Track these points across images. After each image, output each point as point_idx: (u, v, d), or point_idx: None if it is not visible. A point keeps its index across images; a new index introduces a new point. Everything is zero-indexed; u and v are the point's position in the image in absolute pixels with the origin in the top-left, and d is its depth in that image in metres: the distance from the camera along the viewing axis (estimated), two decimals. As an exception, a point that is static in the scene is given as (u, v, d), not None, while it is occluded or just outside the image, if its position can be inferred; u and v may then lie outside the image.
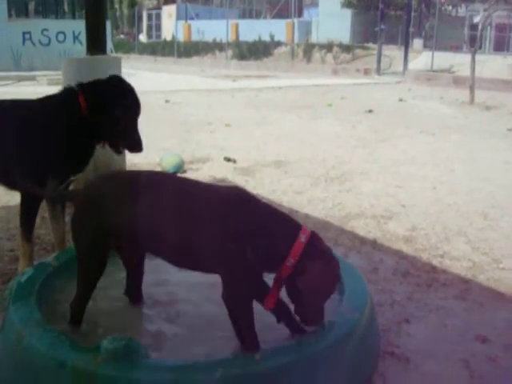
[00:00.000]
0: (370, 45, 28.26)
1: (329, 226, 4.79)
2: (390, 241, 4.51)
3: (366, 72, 24.59)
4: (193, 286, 3.01)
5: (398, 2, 30.59)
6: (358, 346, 2.53)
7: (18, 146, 3.30)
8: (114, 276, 2.98)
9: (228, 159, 7.14)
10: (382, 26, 24.69)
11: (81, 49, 18.28)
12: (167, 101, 13.36)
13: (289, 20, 31.76)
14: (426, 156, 7.77)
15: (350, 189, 6.02)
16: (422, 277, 3.83)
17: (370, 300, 2.84)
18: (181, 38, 35.92)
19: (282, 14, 36.04)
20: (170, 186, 2.55)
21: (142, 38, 40.82)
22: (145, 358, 2.19)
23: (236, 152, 7.55)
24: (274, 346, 2.39)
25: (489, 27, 24.80)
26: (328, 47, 28.51)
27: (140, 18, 41.55)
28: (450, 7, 32.67)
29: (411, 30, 26.40)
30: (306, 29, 32.77)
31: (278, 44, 31.02)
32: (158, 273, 3.07)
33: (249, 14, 42.84)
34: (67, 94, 3.45)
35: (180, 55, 33.72)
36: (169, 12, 39.43)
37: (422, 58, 24.84)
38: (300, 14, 36.18)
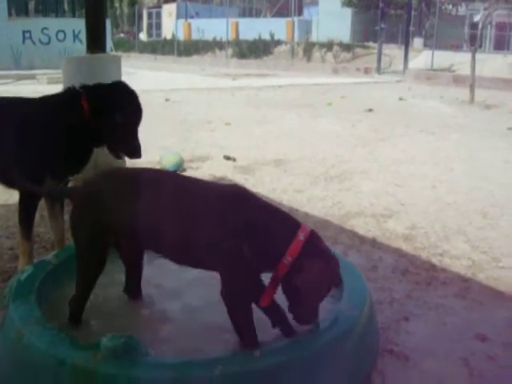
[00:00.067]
0: (370, 44, 28.27)
1: (328, 225, 4.80)
2: (390, 239, 4.51)
3: (366, 71, 24.59)
4: (192, 283, 3.01)
5: (399, 1, 30.58)
6: (358, 343, 2.54)
7: (17, 144, 3.30)
8: (113, 274, 2.98)
9: (228, 158, 7.14)
10: (383, 25, 24.68)
11: (81, 47, 18.25)
12: (167, 99, 13.36)
13: (289, 19, 31.73)
14: (425, 155, 7.77)
15: (350, 187, 6.02)
16: (422, 275, 3.84)
17: (370, 298, 2.84)
18: (181, 36, 35.90)
19: (282, 12, 36.03)
20: (170, 183, 2.55)
21: (142, 36, 40.82)
22: (144, 355, 2.20)
23: (236, 151, 7.55)
24: (274, 344, 2.39)
25: (489, 26, 24.80)
26: (328, 46, 28.50)
27: (140, 16, 41.53)
28: (451, 6, 32.67)
29: (411, 28, 26.40)
30: (306, 27, 32.76)
31: (278, 43, 31.01)
32: (158, 271, 3.08)
33: (249, 12, 42.81)
34: (70, 94, 3.45)
35: (180, 54, 33.71)
36: (169, 11, 39.42)
37: (422, 57, 24.84)
38: (300, 13, 36.17)
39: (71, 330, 2.54)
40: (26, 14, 24.75)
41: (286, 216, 2.44)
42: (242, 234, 2.30)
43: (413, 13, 27.55)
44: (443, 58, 23.02)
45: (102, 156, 3.80)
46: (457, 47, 26.34)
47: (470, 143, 8.76)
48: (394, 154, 7.77)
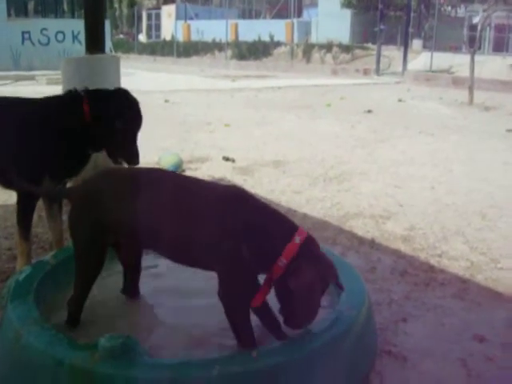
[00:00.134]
0: (370, 45, 28.26)
1: (327, 226, 4.80)
2: (388, 240, 4.51)
3: (366, 72, 24.59)
4: (191, 284, 3.01)
5: (398, 3, 30.58)
6: (356, 344, 2.54)
7: (16, 144, 3.31)
8: (112, 274, 2.98)
9: (227, 159, 7.14)
10: (382, 27, 24.69)
11: (80, 48, 18.26)
12: (166, 100, 13.37)
13: (288, 20, 31.75)
14: (424, 156, 7.77)
15: (349, 189, 6.02)
16: (420, 276, 3.84)
17: (368, 299, 2.84)
18: (180, 37, 35.92)
19: (281, 14, 36.03)
20: (169, 182, 2.55)
21: (142, 37, 40.81)
22: (142, 355, 2.20)
23: (235, 152, 7.55)
24: (272, 344, 2.39)
25: (488, 28, 24.80)
26: (327, 47, 28.51)
27: (139, 17, 41.54)
28: (450, 8, 32.66)
29: (410, 30, 26.40)
30: (306, 29, 32.76)
31: (278, 44, 31.02)
32: (156, 271, 3.09)
33: (248, 14, 42.80)
34: (72, 97, 3.46)
35: (179, 55, 33.72)
36: (168, 12, 39.42)
37: (421, 59, 24.85)
38: (299, 14, 36.17)
39: (69, 331, 2.55)
40: (26, 14, 24.75)
41: (284, 218, 2.44)
42: (240, 234, 2.30)
43: (412, 14, 27.55)
44: (442, 59, 23.03)
45: (101, 157, 3.80)
46: (456, 49, 26.35)
47: (469, 145, 8.76)
48: (393, 155, 7.77)
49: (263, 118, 11.12)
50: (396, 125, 10.53)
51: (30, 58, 20.48)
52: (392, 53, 26.17)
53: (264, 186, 6.01)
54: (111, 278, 3.03)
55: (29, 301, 2.62)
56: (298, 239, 2.32)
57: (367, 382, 2.61)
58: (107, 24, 20.68)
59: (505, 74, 20.15)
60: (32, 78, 18.07)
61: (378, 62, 24.50)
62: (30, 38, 21.02)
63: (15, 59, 20.63)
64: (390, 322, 3.20)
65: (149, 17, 42.37)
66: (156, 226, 2.43)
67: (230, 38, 32.92)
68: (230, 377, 2.15)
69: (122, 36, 42.42)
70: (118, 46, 34.45)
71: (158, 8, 42.18)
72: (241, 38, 33.26)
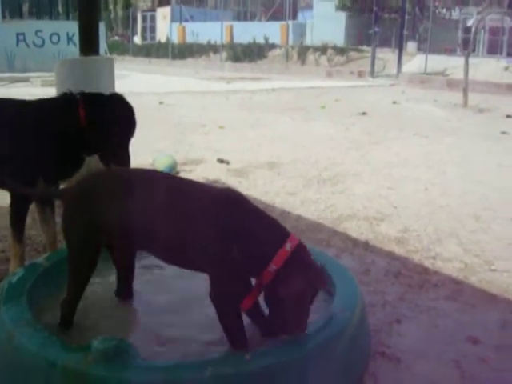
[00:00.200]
0: (364, 47, 28.27)
1: (321, 228, 4.80)
2: (382, 242, 4.52)
3: (360, 74, 24.62)
4: (184, 285, 3.01)
5: (393, 5, 30.64)
6: (349, 346, 2.54)
7: (10, 145, 3.30)
8: (105, 277, 2.98)
9: (221, 161, 7.14)
10: (376, 29, 24.73)
11: (75, 50, 18.20)
12: (161, 102, 13.35)
13: (283, 22, 31.75)
14: (419, 158, 7.78)
15: (343, 190, 6.03)
16: (414, 278, 3.84)
17: (361, 301, 2.84)
18: (175, 40, 35.90)
19: (276, 16, 36.04)
20: (162, 183, 2.55)
21: (137, 39, 40.77)
22: (135, 358, 2.19)
23: (229, 154, 7.55)
24: (264, 346, 2.39)
25: (482, 30, 24.86)
26: (322, 50, 28.53)
27: (134, 19, 41.47)
28: (444, 10, 32.75)
29: (405, 32, 26.43)
30: (301, 31, 32.76)
31: (273, 46, 31.02)
32: (149, 272, 3.08)
33: (243, 16, 42.79)
34: (67, 100, 3.45)
35: (174, 57, 33.70)
36: (163, 14, 39.39)
37: (415, 61, 24.86)
38: (295, 17, 36.18)
39: (62, 332, 2.54)
40: (20, 16, 24.70)
41: (276, 224, 2.43)
42: (232, 236, 2.30)
43: (406, 17, 27.56)
44: (437, 61, 23.04)
45: (94, 161, 3.80)
46: (450, 51, 26.39)
47: (463, 147, 8.78)
48: (387, 157, 7.78)
49: (258, 120, 11.12)
50: (390, 127, 10.54)
51: (25, 60, 20.42)
52: (387, 55, 26.20)
53: (258, 188, 6.01)
54: (105, 280, 3.03)
55: (22, 303, 2.61)
56: (288, 246, 2.32)
57: (361, 384, 2.62)
58: (102, 26, 20.66)
59: (499, 76, 20.18)
60: (26, 79, 18.02)
61: (373, 64, 24.53)
62: (24, 40, 20.96)
63: (10, 61, 20.57)
64: (383, 323, 3.20)
65: (144, 19, 42.30)
66: (149, 227, 2.43)
67: (225, 40, 32.91)
68: (223, 378, 2.15)
69: (117, 38, 42.36)
70: (113, 47, 34.41)
71: (153, 10, 42.14)
72: (236, 40, 33.23)
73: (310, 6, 34.96)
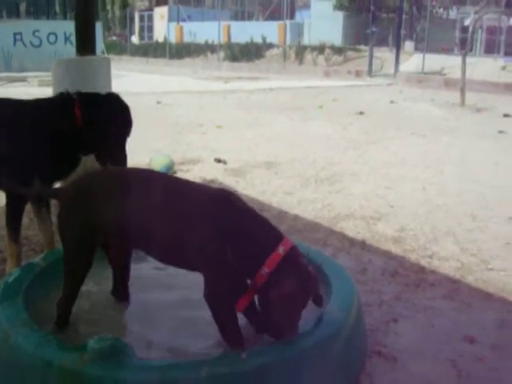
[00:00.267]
0: (362, 47, 28.25)
1: (318, 227, 4.80)
2: (379, 241, 4.52)
3: (358, 74, 24.62)
4: (179, 285, 3.01)
5: (390, 5, 30.62)
6: (345, 345, 2.54)
7: (6, 145, 3.29)
8: (101, 276, 2.98)
9: (218, 160, 7.14)
10: (374, 29, 24.72)
11: (72, 50, 18.02)
12: (159, 102, 13.35)
13: (281, 22, 31.74)
14: (416, 158, 7.79)
15: (340, 190, 6.03)
16: (411, 277, 3.85)
17: (358, 300, 2.85)
18: (173, 39, 35.88)
19: (274, 15, 36.02)
20: (158, 183, 2.55)
21: (134, 39, 40.73)
22: (131, 357, 2.19)
23: (227, 153, 7.55)
24: (261, 345, 2.39)
25: (479, 30, 24.89)
26: (320, 49, 28.51)
27: (132, 19, 41.44)
28: (442, 10, 32.75)
29: (402, 32, 26.43)
30: (298, 31, 32.73)
31: (270, 46, 30.98)
32: (145, 273, 3.08)
33: (241, 15, 42.76)
34: (64, 100, 3.45)
35: (172, 57, 33.67)
36: (161, 13, 39.36)
37: (413, 60, 24.87)
38: (292, 16, 36.17)
39: (58, 332, 2.54)
40: (17, 16, 24.71)
41: (270, 227, 2.43)
42: (226, 236, 2.30)
43: (404, 16, 27.56)
44: (434, 61, 23.05)
45: (90, 161, 3.80)
46: (448, 50, 26.41)
47: (460, 146, 8.79)
48: (385, 157, 7.78)
49: (255, 119, 11.12)
50: (388, 126, 10.54)
51: (22, 60, 20.41)
52: (384, 54, 26.20)
53: (256, 188, 6.01)
54: (100, 279, 3.03)
55: (18, 302, 2.61)
56: (281, 249, 2.32)
57: (357, 383, 2.61)
58: (99, 26, 20.68)
59: (496, 75, 20.20)
60: (24, 79, 18.00)
61: (371, 63, 24.53)
62: (21, 40, 20.94)
63: (7, 61, 20.55)
64: (380, 322, 3.20)
65: (141, 18, 42.26)
66: (144, 226, 2.43)
67: (223, 39, 32.88)
68: (218, 378, 2.15)
69: (114, 38, 42.32)
70: (110, 47, 34.39)
71: (151, 10, 42.09)
72: (233, 40, 33.19)
73: (307, 6, 34.95)
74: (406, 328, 3.17)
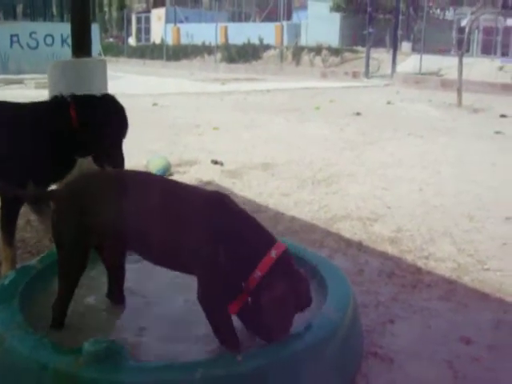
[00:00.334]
0: (359, 48, 28.30)
1: (315, 228, 4.80)
2: (376, 242, 4.52)
3: (355, 75, 24.64)
4: (174, 287, 3.00)
5: (387, 6, 30.67)
6: (341, 346, 2.54)
7: (1, 149, 3.29)
8: (96, 278, 2.97)
9: (215, 162, 7.13)
10: (371, 30, 24.75)
11: (69, 52, 17.98)
12: (155, 104, 13.34)
13: (278, 23, 31.76)
14: (413, 158, 7.79)
15: (337, 191, 6.02)
16: (407, 278, 3.84)
17: (354, 301, 2.84)
18: (170, 41, 35.88)
19: (271, 17, 36.03)
20: (152, 185, 2.55)
21: (131, 41, 40.73)
22: (126, 359, 2.19)
23: (224, 155, 7.54)
24: (256, 347, 2.39)
25: (476, 30, 24.92)
26: (317, 50, 28.54)
27: (129, 21, 41.42)
28: (438, 10, 32.82)
29: (399, 33, 26.48)
30: (295, 32, 32.75)
31: (267, 47, 31.00)
32: (139, 275, 3.08)
33: (238, 17, 42.77)
34: (59, 103, 3.45)
35: (169, 58, 33.67)
36: (158, 15, 39.36)
37: (410, 61, 24.89)
38: (289, 17, 36.18)
39: (54, 335, 2.53)
40: (14, 17, 24.64)
41: (263, 230, 2.44)
42: (219, 239, 2.30)
43: (401, 17, 27.62)
44: (431, 62, 23.08)
45: (86, 163, 3.80)
46: (445, 51, 26.45)
47: (457, 146, 8.79)
48: (382, 158, 7.79)
49: (252, 121, 11.12)
50: (385, 127, 10.55)
51: (19, 62, 20.35)
52: (381, 55, 26.23)
53: (252, 189, 6.01)
54: (96, 282, 3.02)
55: (13, 305, 2.61)
56: (274, 253, 2.33)
57: (353, 385, 2.62)
58: (96, 27, 20.67)
59: (493, 76, 20.24)
60: (20, 81, 17.98)
61: (368, 64, 24.55)
62: (18, 42, 20.88)
63: (3, 62, 20.49)
64: (376, 323, 3.20)
65: (138, 20, 42.26)
66: (138, 228, 2.43)
67: (220, 41, 32.88)
68: (213, 380, 2.15)
69: (111, 39, 42.33)
70: (107, 49, 34.39)
71: (148, 11, 42.11)
72: (230, 41, 33.21)
73: (304, 7, 34.97)
74: (403, 329, 3.16)
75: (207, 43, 33.14)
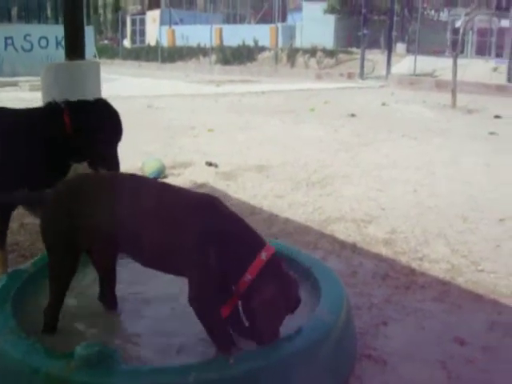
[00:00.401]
0: (354, 49, 28.30)
1: (309, 230, 4.80)
2: (370, 244, 4.52)
3: (350, 76, 24.66)
4: (167, 290, 3.00)
5: (381, 7, 30.72)
6: (334, 348, 2.53)
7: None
8: (88, 282, 2.97)
9: (210, 164, 7.13)
10: (365, 31, 24.77)
11: (64, 54, 18.15)
12: (149, 106, 13.33)
13: (273, 25, 31.77)
14: (408, 159, 7.80)
15: (331, 193, 6.02)
16: (401, 279, 3.84)
17: (347, 303, 2.84)
18: (165, 43, 35.85)
19: (265, 19, 36.06)
20: (143, 188, 2.55)
21: (126, 43, 40.70)
22: (119, 363, 2.18)
23: (219, 157, 7.54)
24: (249, 349, 2.39)
25: (471, 31, 24.98)
26: (312, 52, 28.53)
27: (124, 23, 41.38)
28: (433, 12, 32.88)
29: (394, 34, 26.51)
30: (290, 33, 32.75)
31: (262, 49, 30.99)
32: (132, 278, 3.07)
33: (233, 18, 42.79)
34: (52, 109, 3.44)
35: (164, 60, 33.64)
36: (153, 17, 39.34)
37: (404, 63, 24.92)
38: (284, 19, 36.21)
39: (46, 339, 2.52)
40: (9, 20, 24.57)
41: (253, 233, 2.44)
42: (210, 241, 2.30)
43: (395, 18, 27.64)
44: (426, 63, 23.11)
45: (81, 168, 3.80)
46: (439, 52, 26.50)
47: (452, 147, 8.80)
48: (377, 159, 7.79)
49: (247, 122, 11.11)
50: (379, 128, 10.55)
51: (13, 64, 20.30)
52: (376, 57, 26.25)
53: (247, 191, 6.00)
54: (88, 285, 3.01)
55: (5, 310, 2.60)
56: (264, 255, 2.33)
57: (347, 387, 2.61)
58: (91, 30, 20.65)
59: (487, 77, 20.28)
60: (15, 84, 17.94)
61: (362, 66, 24.57)
62: (12, 44, 20.85)
63: (-2, 65, 20.48)
64: (370, 325, 3.19)
65: (133, 22, 42.24)
66: (128, 230, 2.43)
67: (215, 42, 32.87)
68: (206, 383, 2.15)
69: (106, 42, 42.28)
70: (102, 51, 34.34)
71: (143, 13, 42.08)
72: (225, 43, 33.19)
73: (299, 9, 35.01)
74: (396, 331, 3.16)
75: (202, 45, 33.10)
